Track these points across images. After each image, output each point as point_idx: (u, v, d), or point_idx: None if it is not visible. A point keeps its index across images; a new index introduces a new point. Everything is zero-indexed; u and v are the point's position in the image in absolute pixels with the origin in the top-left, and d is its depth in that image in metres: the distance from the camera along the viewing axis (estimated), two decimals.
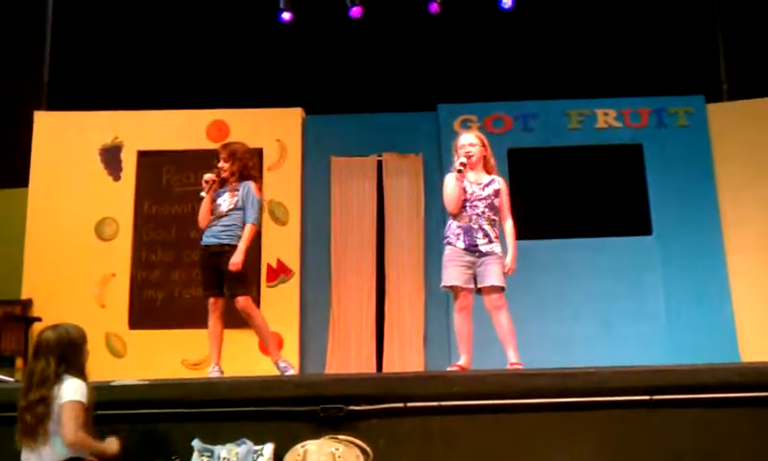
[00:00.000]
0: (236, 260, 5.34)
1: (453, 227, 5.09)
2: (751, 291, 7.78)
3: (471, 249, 4.99)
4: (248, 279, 5.56)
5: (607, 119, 8.40)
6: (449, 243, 5.07)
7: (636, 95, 8.44)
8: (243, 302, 5.41)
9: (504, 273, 5.02)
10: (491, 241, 5.02)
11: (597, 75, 8.57)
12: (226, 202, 5.52)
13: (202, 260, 5.60)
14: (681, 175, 8.12)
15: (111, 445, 3.55)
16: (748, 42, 8.67)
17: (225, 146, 5.75)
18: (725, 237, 7.98)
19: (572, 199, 8.22)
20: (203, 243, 5.54)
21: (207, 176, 5.57)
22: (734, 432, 3.75)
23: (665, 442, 3.74)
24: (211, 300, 5.47)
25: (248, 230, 5.46)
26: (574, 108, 8.43)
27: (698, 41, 8.77)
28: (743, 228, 7.97)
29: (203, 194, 5.56)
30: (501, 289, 5.00)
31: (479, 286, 5.01)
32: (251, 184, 5.57)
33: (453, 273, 5.00)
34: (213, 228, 5.49)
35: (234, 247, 5.41)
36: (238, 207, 5.50)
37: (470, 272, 5.00)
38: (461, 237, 5.02)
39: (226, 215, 5.49)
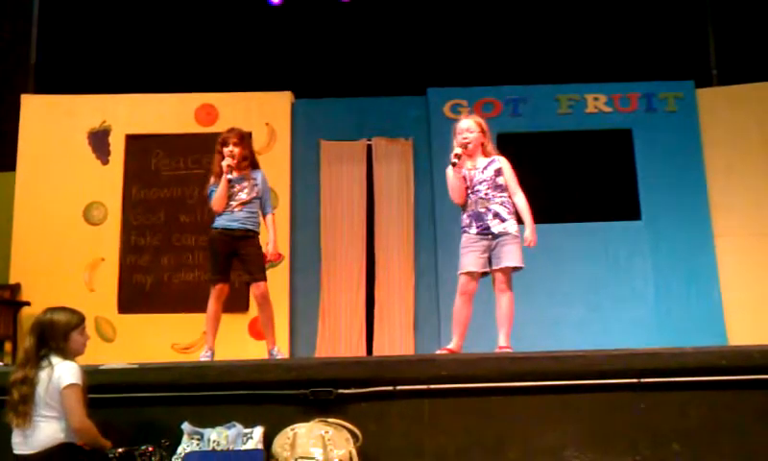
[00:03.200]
0: (274, 250, 5.62)
1: (464, 216, 5.11)
2: (739, 274, 7.82)
3: (484, 233, 5.00)
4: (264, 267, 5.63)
5: (596, 104, 8.40)
6: (464, 230, 5.09)
7: (626, 80, 8.42)
8: (264, 287, 5.50)
9: (521, 250, 5.00)
10: (503, 221, 5.00)
11: (587, 60, 8.55)
12: (246, 189, 5.53)
13: (218, 245, 5.49)
14: (670, 160, 8.14)
15: (106, 443, 3.57)
16: (737, 27, 8.67)
17: (232, 130, 5.66)
18: (713, 221, 8.01)
19: (562, 184, 8.22)
20: (223, 227, 5.47)
21: (228, 161, 5.44)
22: (721, 415, 3.78)
23: (653, 424, 3.78)
24: (219, 285, 5.47)
25: (273, 221, 5.68)
26: (564, 92, 8.41)
27: (688, 26, 8.76)
28: (731, 212, 8.00)
29: (230, 176, 5.45)
30: (516, 269, 4.99)
31: (493, 268, 5.00)
32: (264, 174, 5.70)
33: (469, 259, 5.01)
34: (237, 213, 5.48)
35: (256, 233, 5.55)
36: (258, 196, 5.58)
37: (486, 256, 5.00)
38: (472, 224, 5.04)
39: (249, 202, 5.53)
